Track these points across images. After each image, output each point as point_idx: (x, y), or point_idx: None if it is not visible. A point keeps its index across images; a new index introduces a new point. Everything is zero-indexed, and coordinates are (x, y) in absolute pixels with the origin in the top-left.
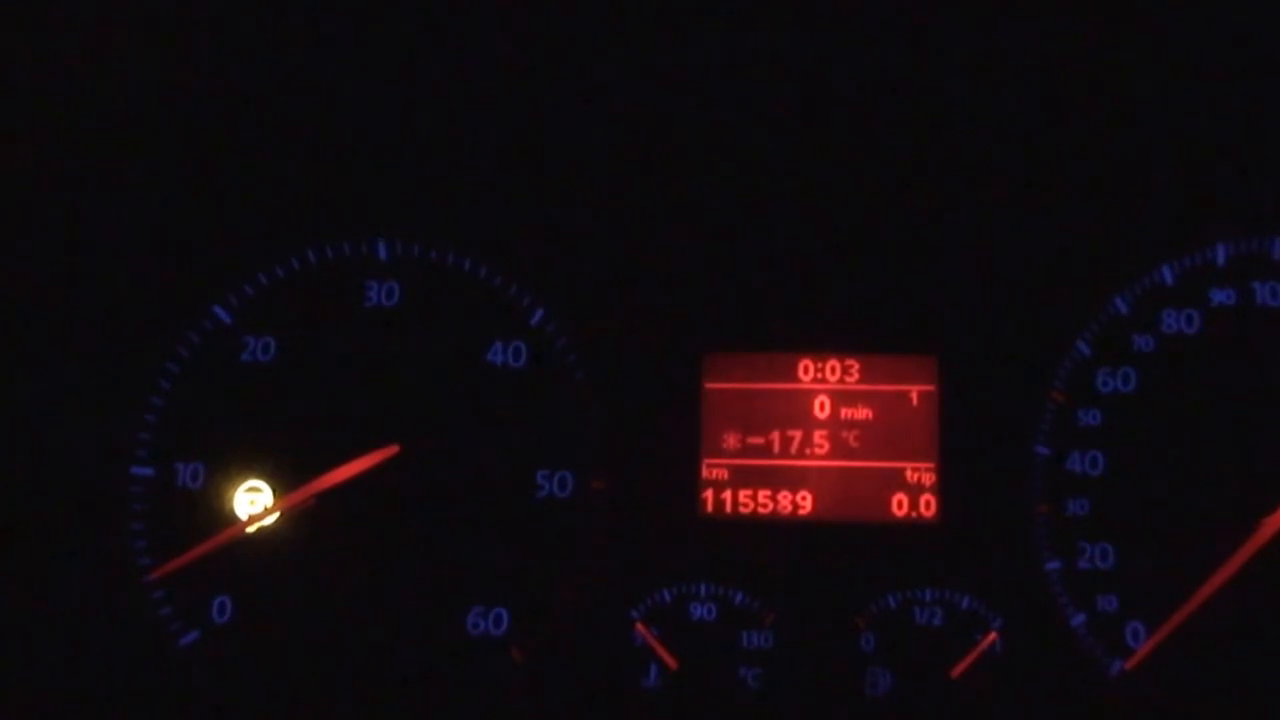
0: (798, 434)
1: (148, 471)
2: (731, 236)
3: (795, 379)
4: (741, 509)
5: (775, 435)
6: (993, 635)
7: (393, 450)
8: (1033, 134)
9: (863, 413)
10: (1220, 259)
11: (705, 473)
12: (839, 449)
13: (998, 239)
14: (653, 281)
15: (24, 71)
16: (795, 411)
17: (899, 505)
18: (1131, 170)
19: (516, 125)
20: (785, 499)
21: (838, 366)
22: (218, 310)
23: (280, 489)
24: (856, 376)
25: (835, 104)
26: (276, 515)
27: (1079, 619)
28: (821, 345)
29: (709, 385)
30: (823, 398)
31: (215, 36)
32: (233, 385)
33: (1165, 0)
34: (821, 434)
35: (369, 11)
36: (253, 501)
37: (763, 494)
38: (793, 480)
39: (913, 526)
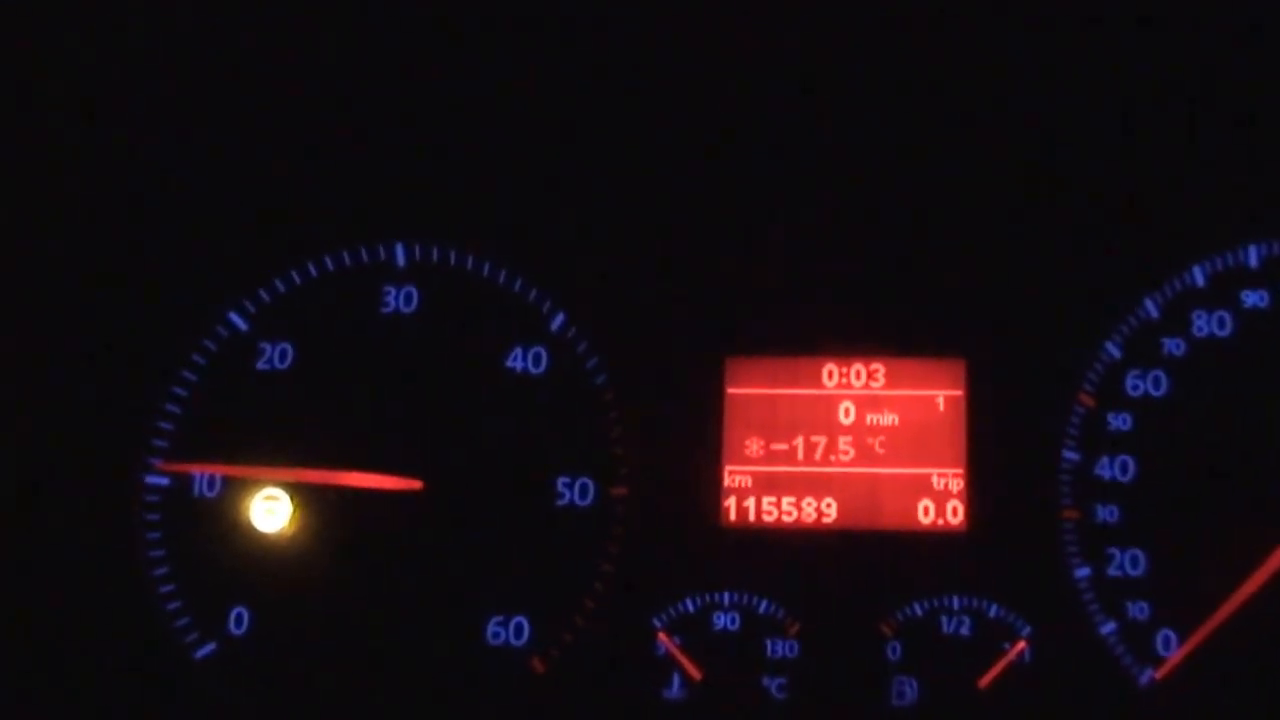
0: (822, 440)
1: (163, 480)
2: (754, 239)
3: (819, 384)
4: (765, 517)
5: (799, 441)
6: (1021, 644)
7: (415, 485)
8: (1061, 133)
9: (888, 418)
10: (1252, 260)
11: (728, 480)
12: (864, 455)
13: (1025, 241)
14: (674, 285)
15: (41, 77)
16: (819, 417)
17: (925, 512)
18: (1161, 170)
19: (535, 128)
20: (809, 506)
21: (863, 371)
22: (234, 317)
23: (298, 497)
24: (882, 381)
25: (860, 106)
26: (295, 524)
27: (1109, 627)
28: (846, 349)
29: (731, 390)
30: (847, 403)
31: (230, 39)
32: (249, 393)
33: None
34: (846, 440)
35: (387, 15)
36: (270, 510)
37: (786, 501)
38: (817, 487)
39: (939, 533)
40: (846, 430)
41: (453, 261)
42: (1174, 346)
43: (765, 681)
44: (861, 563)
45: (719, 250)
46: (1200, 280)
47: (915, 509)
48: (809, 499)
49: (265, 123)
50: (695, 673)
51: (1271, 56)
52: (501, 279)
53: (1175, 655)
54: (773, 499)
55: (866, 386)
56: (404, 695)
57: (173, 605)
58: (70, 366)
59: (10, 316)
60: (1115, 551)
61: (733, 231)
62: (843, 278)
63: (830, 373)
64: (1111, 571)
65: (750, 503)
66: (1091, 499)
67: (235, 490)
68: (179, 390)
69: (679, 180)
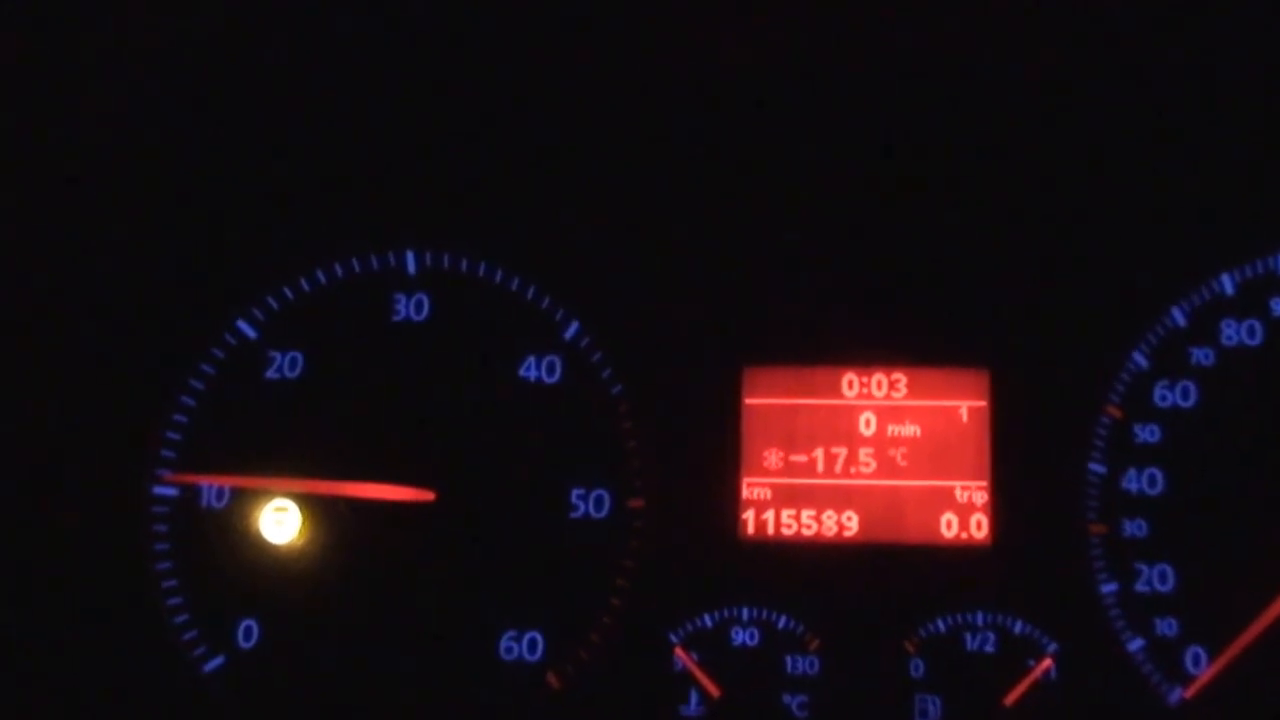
0: (842, 451)
1: (171, 491)
2: (772, 247)
3: (839, 394)
4: (784, 530)
5: (819, 453)
6: (1047, 661)
7: (427, 496)
8: (1087, 141)
9: (910, 429)
10: None
11: (746, 492)
12: (886, 467)
13: (1051, 248)
14: (691, 293)
15: (50, 85)
16: (840, 428)
17: (949, 526)
18: (1188, 177)
19: (548, 134)
20: (830, 519)
21: (884, 380)
22: (243, 326)
23: (307, 508)
24: (904, 391)
25: (881, 113)
26: (304, 535)
27: (1137, 644)
28: (867, 358)
29: (749, 401)
30: (868, 413)
31: (240, 47)
32: (258, 402)
33: (1217, 6)
34: (867, 451)
35: (397, 22)
36: (279, 521)
37: (806, 514)
38: (838, 500)
39: (963, 548)
40: (867, 442)
41: (464, 269)
42: (1203, 356)
43: (785, 699)
44: (883, 577)
45: (736, 257)
46: (1229, 289)
47: (938, 522)
48: (829, 512)
49: (275, 129)
50: (714, 689)
51: None
52: (514, 286)
53: (1205, 673)
54: (792, 512)
55: (888, 397)
56: (415, 711)
57: (181, 618)
58: (78, 375)
59: (18, 324)
60: (1143, 566)
61: (750, 238)
62: (863, 285)
63: (850, 383)
64: (1139, 587)
65: (769, 515)
66: (1119, 513)
67: (244, 501)
68: (187, 400)
69: (695, 187)
